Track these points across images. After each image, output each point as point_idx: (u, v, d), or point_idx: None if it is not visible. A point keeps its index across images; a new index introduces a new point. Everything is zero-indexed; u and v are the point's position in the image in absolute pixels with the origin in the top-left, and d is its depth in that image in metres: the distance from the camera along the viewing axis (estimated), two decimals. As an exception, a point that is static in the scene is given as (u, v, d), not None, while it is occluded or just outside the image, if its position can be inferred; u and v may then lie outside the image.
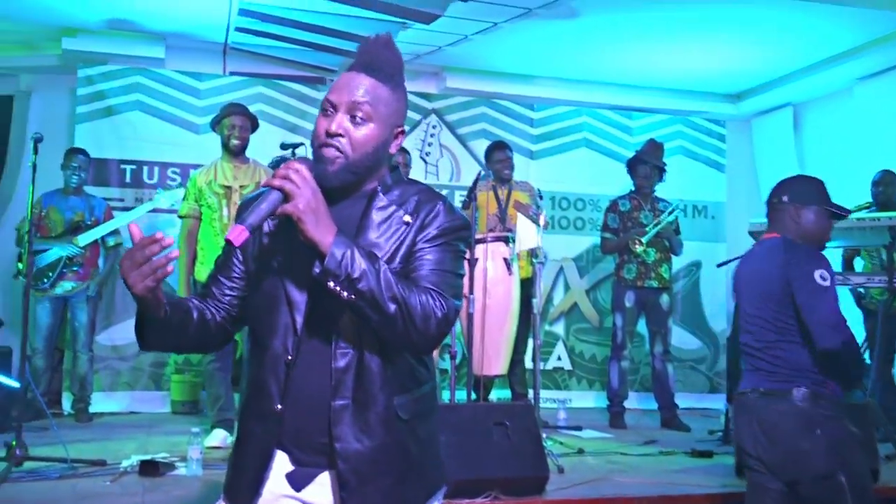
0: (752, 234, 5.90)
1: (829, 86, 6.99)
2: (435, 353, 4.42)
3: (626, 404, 6.19)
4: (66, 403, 5.97)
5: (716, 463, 4.77)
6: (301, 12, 5.89)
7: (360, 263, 1.55)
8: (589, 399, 7.15)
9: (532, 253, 5.37)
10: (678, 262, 6.82)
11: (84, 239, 5.69)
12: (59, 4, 5.82)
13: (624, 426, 5.97)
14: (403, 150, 5.86)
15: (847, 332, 2.71)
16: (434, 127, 7.19)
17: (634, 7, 5.77)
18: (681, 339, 7.25)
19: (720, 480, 4.27)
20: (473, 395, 5.17)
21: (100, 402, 5.97)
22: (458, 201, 6.83)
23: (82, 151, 5.87)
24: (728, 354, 7.41)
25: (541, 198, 5.49)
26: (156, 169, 6.52)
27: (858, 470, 2.75)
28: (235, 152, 5.03)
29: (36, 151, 4.24)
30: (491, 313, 5.24)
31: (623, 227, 6.15)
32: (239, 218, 1.62)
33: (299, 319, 1.66)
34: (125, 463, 4.15)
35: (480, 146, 6.94)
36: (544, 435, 4.34)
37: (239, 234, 1.52)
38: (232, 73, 6.91)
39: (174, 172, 6.53)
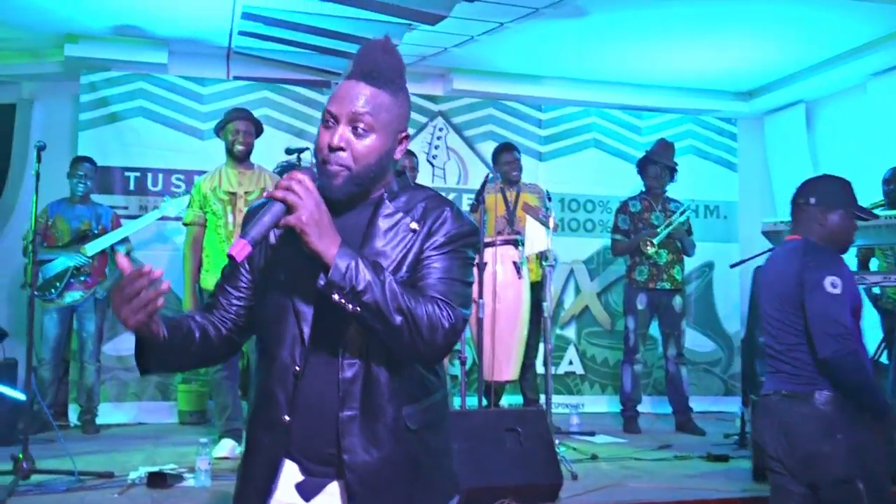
0: (765, 233, 5.88)
1: (842, 82, 6.96)
2: (445, 360, 4.42)
3: (640, 408, 6.18)
4: (73, 415, 5.98)
5: (732, 467, 4.76)
6: (305, 15, 5.91)
7: (365, 275, 1.55)
8: (602, 404, 7.14)
9: (542, 256, 5.37)
10: (691, 264, 6.81)
11: (92, 248, 5.70)
12: (61, 11, 5.85)
13: (638, 431, 5.96)
14: (410, 154, 5.86)
15: (848, 344, 2.70)
16: (440, 129, 7.19)
17: (643, 5, 5.76)
18: (694, 341, 7.23)
19: (737, 485, 4.26)
20: (484, 402, 5.17)
21: (106, 414, 5.99)
22: (465, 205, 6.84)
23: (88, 159, 5.89)
24: (743, 356, 7.40)
25: (549, 199, 5.48)
26: (160, 176, 6.54)
27: (878, 476, 2.75)
28: (240, 158, 5.04)
29: (39, 160, 4.25)
30: (501, 318, 5.24)
31: (634, 228, 6.14)
32: (243, 230, 1.62)
33: (306, 330, 1.66)
34: (133, 475, 4.16)
35: (488, 148, 6.93)
36: (557, 441, 4.34)
37: (241, 249, 1.52)
38: (236, 78, 6.92)
39: (178, 179, 6.55)
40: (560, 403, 6.72)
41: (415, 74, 7.09)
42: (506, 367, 5.34)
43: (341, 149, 1.66)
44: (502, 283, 5.31)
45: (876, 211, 5.30)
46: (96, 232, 5.78)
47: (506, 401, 6.39)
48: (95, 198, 5.99)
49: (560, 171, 7.35)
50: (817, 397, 2.75)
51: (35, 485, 3.98)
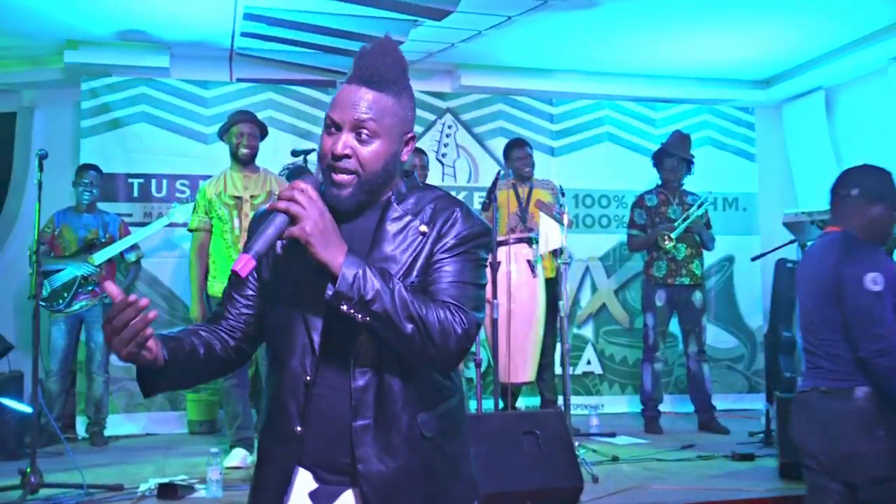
0: (786, 225, 5.84)
1: (862, 67, 6.90)
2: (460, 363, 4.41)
3: (661, 408, 6.16)
4: (81, 427, 6.01)
5: (758, 466, 4.74)
6: (308, 14, 5.91)
7: (374, 283, 1.54)
8: (622, 404, 7.11)
9: (556, 253, 5.36)
10: (710, 258, 6.77)
11: (99, 257, 5.73)
12: (61, 17, 5.87)
13: (659, 431, 5.93)
14: (420, 152, 5.86)
15: (889, 344, 2.68)
16: (449, 127, 7.18)
17: (654, -7, 5.74)
18: (716, 337, 7.19)
19: (764, 484, 4.23)
20: (501, 404, 5.15)
21: (115, 425, 6.00)
22: (477, 203, 6.83)
23: (94, 167, 5.91)
24: (766, 352, 7.36)
25: (563, 195, 5.47)
26: (164, 182, 6.56)
27: None
28: (245, 161, 5.04)
29: (41, 168, 4.28)
30: (516, 318, 5.23)
31: (651, 223, 6.12)
32: (247, 243, 1.62)
33: (317, 339, 1.66)
34: (143, 487, 4.17)
35: (498, 145, 6.91)
36: (576, 443, 4.33)
37: (245, 265, 1.51)
38: (239, 80, 6.93)
39: (183, 185, 6.56)
40: (579, 404, 6.70)
41: (421, 71, 7.09)
42: (522, 368, 5.34)
43: (346, 156, 1.65)
44: (516, 282, 5.30)
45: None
46: (104, 240, 5.80)
47: (522, 402, 6.37)
48: (99, 205, 6.01)
49: (573, 166, 7.33)
50: (857, 394, 2.73)
51: (44, 499, 4.00)
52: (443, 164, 7.12)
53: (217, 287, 4.89)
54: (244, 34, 6.34)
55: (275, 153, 6.05)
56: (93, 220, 5.86)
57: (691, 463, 4.85)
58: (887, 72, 6.75)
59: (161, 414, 6.27)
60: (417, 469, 1.66)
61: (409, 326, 1.56)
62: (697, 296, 6.08)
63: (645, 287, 6.22)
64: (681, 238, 5.98)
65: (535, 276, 5.40)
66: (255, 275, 1.77)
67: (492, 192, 5.02)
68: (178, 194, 6.51)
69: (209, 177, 5.25)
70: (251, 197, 5.00)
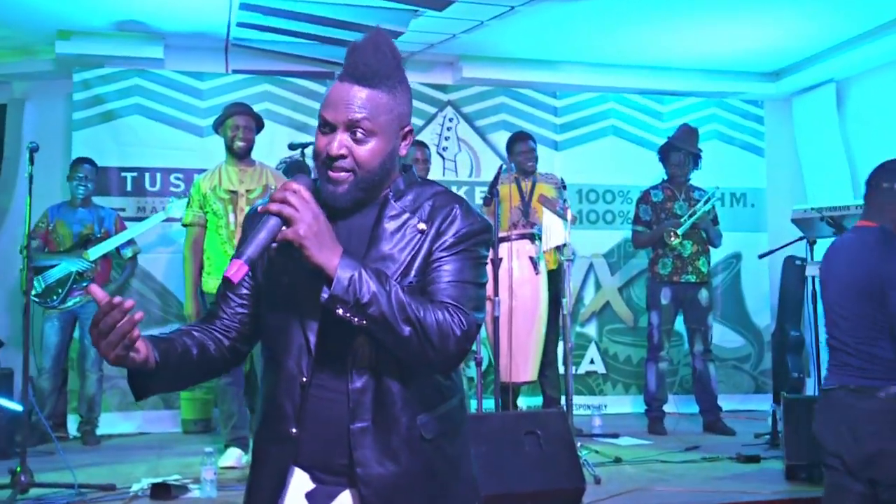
0: (795, 221, 5.85)
1: (874, 59, 6.90)
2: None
3: (666, 408, 6.17)
4: (72, 426, 6.02)
5: (764, 468, 4.75)
6: (306, 3, 5.91)
7: (370, 286, 1.55)
8: (625, 404, 7.12)
9: (559, 250, 5.37)
10: (717, 255, 6.78)
11: (94, 252, 5.74)
12: (53, 5, 5.87)
13: (664, 432, 5.94)
14: (422, 145, 5.87)
15: None
16: (451, 120, 7.19)
17: (661, -17, 5.74)
18: (722, 336, 7.20)
19: (770, 487, 4.24)
20: (501, 404, 5.16)
21: (107, 424, 6.02)
22: (478, 198, 6.83)
23: (89, 161, 5.92)
24: (773, 352, 7.38)
25: (564, 188, 5.48)
26: (158, 175, 6.56)
27: None
28: (240, 155, 5.05)
29: (32, 162, 4.29)
30: (518, 316, 5.24)
31: (656, 219, 6.13)
32: (239, 247, 1.62)
33: (313, 339, 1.66)
34: (136, 487, 4.19)
35: (501, 138, 6.92)
36: (579, 443, 4.34)
37: (238, 271, 1.51)
38: (235, 72, 6.94)
39: (177, 178, 6.57)
40: (581, 404, 6.72)
41: (422, 63, 7.09)
42: (523, 367, 5.35)
43: (342, 156, 1.65)
44: (518, 279, 5.31)
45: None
46: (99, 236, 5.82)
47: (524, 402, 6.39)
48: (94, 200, 6.01)
49: (577, 160, 7.33)
50: (887, 393, 2.74)
51: (34, 499, 4.01)
52: (444, 157, 7.13)
53: (211, 283, 4.90)
54: (240, 24, 6.34)
55: (271, 146, 6.07)
56: (88, 215, 5.87)
57: (696, 465, 4.86)
58: (900, 64, 6.76)
59: (154, 412, 6.28)
60: (418, 471, 1.67)
61: (407, 329, 1.56)
62: (703, 294, 6.09)
63: (650, 285, 6.23)
64: (687, 235, 5.99)
65: (537, 273, 5.41)
66: (249, 273, 1.77)
67: (493, 186, 5.03)
68: (172, 188, 6.52)
69: (204, 170, 5.26)
70: (247, 191, 5.00)
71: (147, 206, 6.46)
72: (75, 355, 5.97)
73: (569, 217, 5.10)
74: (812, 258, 5.83)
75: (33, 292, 5.58)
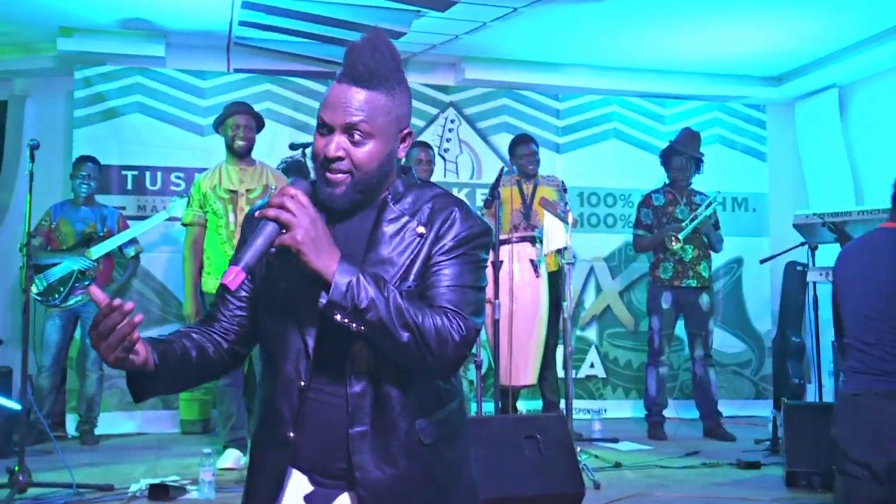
0: (797, 227, 5.86)
1: (877, 64, 6.91)
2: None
3: (666, 413, 6.17)
4: (71, 425, 6.02)
5: (764, 474, 4.75)
6: (308, 3, 5.91)
7: (368, 291, 1.55)
8: (625, 408, 7.13)
9: (560, 253, 5.37)
10: (718, 260, 6.78)
11: (97, 251, 5.75)
12: (55, 2, 5.87)
13: (664, 437, 5.95)
14: (426, 146, 5.88)
15: None
16: (452, 121, 7.19)
17: (664, -14, 5.74)
18: (723, 341, 7.20)
19: (770, 493, 4.25)
20: (501, 407, 5.17)
21: (106, 424, 6.02)
22: (479, 200, 6.84)
23: (91, 159, 5.92)
24: (774, 357, 7.39)
25: (565, 191, 5.47)
26: (159, 174, 6.57)
27: None
28: (241, 154, 5.06)
29: (32, 159, 4.29)
30: (518, 319, 5.25)
31: (657, 223, 6.13)
32: (237, 249, 1.62)
33: (311, 343, 1.67)
34: (134, 487, 4.19)
35: (502, 140, 6.93)
36: (578, 448, 4.34)
37: (235, 278, 1.51)
38: (236, 70, 6.94)
39: (178, 177, 6.57)
40: (581, 408, 6.72)
41: (424, 64, 7.09)
42: (523, 370, 5.35)
43: (340, 158, 1.65)
44: (519, 282, 5.32)
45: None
46: (102, 234, 5.82)
47: (523, 405, 6.39)
48: (96, 198, 6.01)
49: (579, 163, 7.34)
50: None
51: (32, 498, 4.02)
52: (445, 159, 7.13)
53: (211, 283, 4.91)
54: (242, 23, 6.35)
55: (272, 146, 6.07)
56: (91, 214, 5.88)
57: (696, 470, 4.87)
58: (903, 70, 6.76)
59: (153, 413, 6.28)
60: (416, 476, 1.67)
61: (405, 335, 1.57)
62: (704, 299, 6.09)
63: (651, 289, 6.24)
64: (688, 239, 5.99)
65: (538, 276, 5.41)
66: (248, 275, 1.77)
67: (495, 188, 5.03)
68: (173, 187, 6.52)
69: (205, 170, 5.27)
70: (247, 191, 5.01)
71: (147, 204, 6.47)
72: (75, 354, 5.97)
73: (570, 220, 5.10)
74: (814, 264, 5.84)
75: (35, 290, 5.59)
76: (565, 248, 5.09)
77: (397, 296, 1.58)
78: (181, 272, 5.27)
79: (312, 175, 1.77)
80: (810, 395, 7.18)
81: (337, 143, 1.64)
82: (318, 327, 1.66)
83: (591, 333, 7.27)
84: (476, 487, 1.83)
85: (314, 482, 1.69)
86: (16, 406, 4.94)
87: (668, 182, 6.26)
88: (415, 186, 1.77)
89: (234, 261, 1.54)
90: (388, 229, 1.69)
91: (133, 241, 5.92)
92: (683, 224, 6.01)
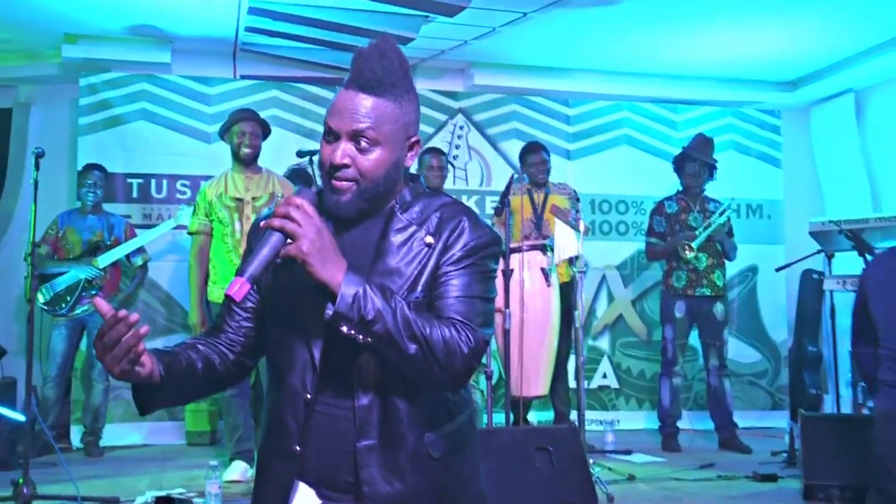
0: (813, 234, 5.84)
1: (894, 69, 6.89)
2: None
3: (680, 425, 6.15)
4: (75, 436, 6.02)
5: (781, 487, 4.73)
6: (316, 9, 5.93)
7: (374, 303, 1.55)
8: (638, 420, 7.10)
9: (572, 261, 5.36)
10: (732, 268, 6.75)
11: (104, 260, 5.76)
12: (60, 8, 5.91)
13: (678, 449, 5.92)
14: (438, 152, 5.89)
15: None
16: (461, 128, 7.20)
17: (677, -10, 5.74)
18: (738, 351, 7.17)
19: (786, 507, 4.22)
20: (512, 419, 5.16)
21: (111, 435, 6.02)
22: (489, 208, 6.84)
23: (98, 167, 5.94)
24: (791, 367, 7.35)
25: (578, 200, 5.46)
26: (164, 182, 6.58)
27: None
28: (247, 161, 5.06)
29: (37, 167, 4.30)
30: (529, 328, 5.24)
31: (670, 230, 6.12)
32: (243, 260, 1.62)
33: (317, 356, 1.67)
34: (139, 500, 4.20)
35: (512, 147, 6.93)
36: (591, 460, 4.33)
37: (240, 289, 1.52)
38: (243, 77, 6.96)
39: (184, 185, 6.59)
40: (594, 420, 6.70)
41: (433, 70, 7.10)
42: (534, 381, 5.34)
43: (346, 166, 1.65)
44: (530, 291, 5.31)
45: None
46: (109, 243, 5.83)
47: (535, 417, 6.37)
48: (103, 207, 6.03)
49: (590, 170, 7.33)
50: None
51: (36, 511, 4.02)
52: (454, 166, 7.13)
53: (217, 293, 4.91)
54: (249, 29, 6.37)
55: (279, 153, 6.09)
56: (98, 222, 5.89)
57: (711, 483, 4.84)
58: (920, 75, 6.74)
59: (159, 424, 6.28)
60: (425, 490, 1.67)
61: (413, 347, 1.57)
62: (719, 308, 6.07)
63: (664, 298, 6.21)
64: (702, 247, 5.97)
65: (549, 285, 5.41)
66: (254, 286, 1.76)
67: (505, 196, 5.03)
68: (178, 195, 6.54)
69: (211, 177, 5.28)
70: (253, 199, 5.01)
71: (153, 213, 6.48)
72: (80, 365, 5.99)
73: (581, 228, 5.10)
74: (830, 272, 5.82)
75: (42, 300, 5.61)
76: (577, 257, 5.09)
77: (405, 307, 1.58)
78: (187, 281, 5.28)
79: (319, 182, 1.77)
80: (828, 406, 7.14)
81: (343, 151, 1.65)
82: (324, 339, 1.66)
83: (604, 343, 7.25)
84: (486, 501, 1.82)
85: (321, 495, 1.69)
86: (20, 417, 4.95)
87: (681, 189, 6.24)
88: (423, 195, 1.77)
89: (240, 272, 1.54)
90: (396, 239, 1.69)
91: (140, 251, 5.94)
92: (697, 232, 5.99)
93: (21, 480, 4.00)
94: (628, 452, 5.70)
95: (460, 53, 6.90)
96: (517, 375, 5.11)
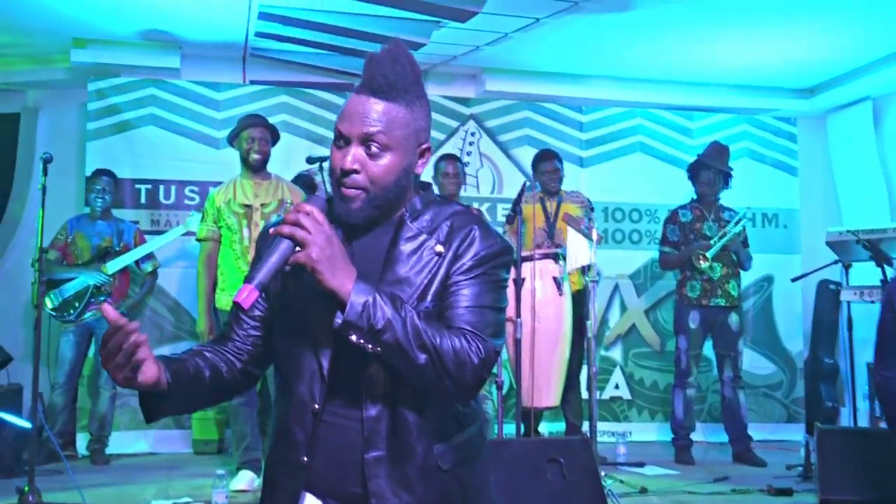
0: (830, 244, 5.82)
1: (912, 76, 6.88)
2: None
3: (693, 437, 6.12)
4: (81, 444, 6.04)
5: (796, 502, 4.71)
6: (326, 14, 5.95)
7: (384, 312, 1.55)
8: (651, 432, 7.08)
9: (584, 270, 5.35)
10: (747, 278, 6.74)
11: (113, 266, 5.79)
12: (69, 13, 5.94)
13: (691, 461, 5.90)
14: (454, 158, 5.90)
15: None
16: (473, 134, 7.21)
17: (692, -4, 5.74)
18: (753, 362, 7.15)
19: (802, 522, 4.20)
20: (523, 430, 5.15)
21: (117, 443, 6.03)
22: (500, 216, 6.84)
23: (107, 172, 5.97)
24: (807, 379, 7.32)
25: (591, 209, 5.45)
26: (173, 188, 6.61)
27: None
28: (255, 168, 5.08)
29: (45, 173, 4.34)
30: (540, 338, 5.23)
31: (684, 239, 6.10)
32: (251, 267, 1.62)
33: (326, 364, 1.67)
34: (145, 509, 4.20)
35: (524, 154, 6.93)
36: (603, 472, 4.32)
37: (248, 296, 1.52)
38: (252, 82, 7.00)
39: (192, 191, 6.61)
40: (606, 431, 6.68)
41: (444, 75, 7.12)
42: (546, 391, 5.33)
43: (355, 171, 1.65)
44: (542, 300, 5.30)
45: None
46: (118, 249, 5.86)
47: (546, 428, 6.36)
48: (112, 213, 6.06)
49: (603, 177, 7.33)
50: None
51: (42, 520, 4.04)
52: (465, 173, 7.13)
53: (225, 300, 4.93)
54: (258, 34, 6.40)
55: (288, 159, 6.12)
56: (107, 228, 5.92)
57: (725, 497, 4.83)
58: (940, 82, 6.72)
59: (166, 432, 6.29)
60: (434, 502, 1.67)
61: (423, 357, 1.56)
62: (733, 318, 6.05)
63: (677, 308, 6.20)
64: (717, 257, 5.96)
65: (561, 294, 5.40)
66: (262, 294, 1.76)
67: (517, 204, 5.03)
68: (187, 201, 6.56)
69: (220, 183, 5.30)
70: (261, 205, 5.03)
71: (161, 219, 6.51)
72: (87, 372, 6.01)
73: (594, 237, 5.09)
74: (847, 282, 5.80)
75: (50, 305, 5.64)
76: (589, 266, 5.08)
77: (415, 316, 1.58)
78: (195, 288, 5.30)
79: (328, 189, 1.77)
80: (844, 419, 7.11)
81: (353, 156, 1.65)
82: (333, 348, 1.66)
83: (616, 353, 7.24)
84: (496, 514, 1.82)
85: (328, 505, 1.69)
86: (26, 424, 4.97)
87: (695, 197, 6.23)
88: (433, 203, 1.77)
89: (248, 279, 1.54)
90: (406, 247, 1.69)
91: (150, 257, 5.96)
92: (712, 241, 5.97)
93: (26, 488, 4.02)
94: (641, 465, 5.69)
95: (472, 59, 6.91)
96: (528, 386, 5.11)
